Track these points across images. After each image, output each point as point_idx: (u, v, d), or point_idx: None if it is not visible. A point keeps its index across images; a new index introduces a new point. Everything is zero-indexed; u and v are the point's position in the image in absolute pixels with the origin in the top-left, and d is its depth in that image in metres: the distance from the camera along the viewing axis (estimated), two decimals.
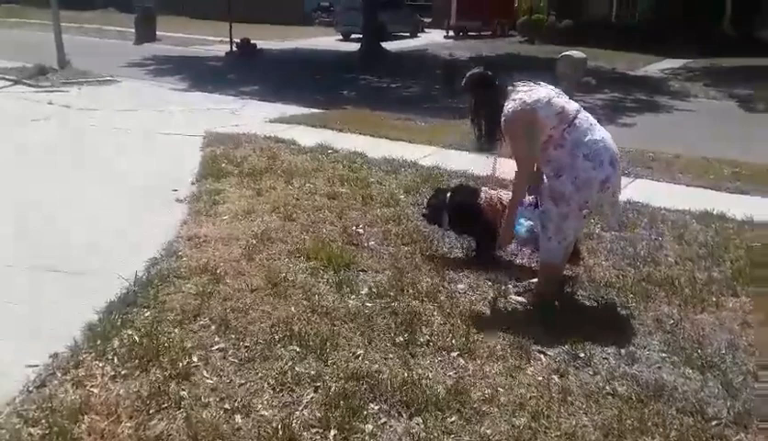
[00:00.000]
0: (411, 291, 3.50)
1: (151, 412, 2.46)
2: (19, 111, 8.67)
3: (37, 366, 2.73)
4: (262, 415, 2.47)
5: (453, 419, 2.48)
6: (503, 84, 3.42)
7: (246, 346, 2.92)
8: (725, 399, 2.65)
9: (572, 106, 3.30)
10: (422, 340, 3.03)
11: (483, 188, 4.11)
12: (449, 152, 6.64)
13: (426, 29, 29.67)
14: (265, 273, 3.65)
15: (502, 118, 3.29)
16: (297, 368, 2.75)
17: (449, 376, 2.77)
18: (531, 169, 3.38)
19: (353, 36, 23.48)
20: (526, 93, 3.27)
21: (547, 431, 2.43)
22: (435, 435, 2.39)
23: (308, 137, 7.09)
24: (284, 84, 12.43)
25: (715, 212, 4.90)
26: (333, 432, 2.38)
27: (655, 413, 2.54)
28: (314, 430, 2.40)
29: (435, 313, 3.29)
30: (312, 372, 2.73)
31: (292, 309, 3.27)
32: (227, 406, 2.51)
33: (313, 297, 3.40)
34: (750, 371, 2.84)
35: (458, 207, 3.95)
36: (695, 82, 14.78)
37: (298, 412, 2.49)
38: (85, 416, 2.42)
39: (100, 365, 2.75)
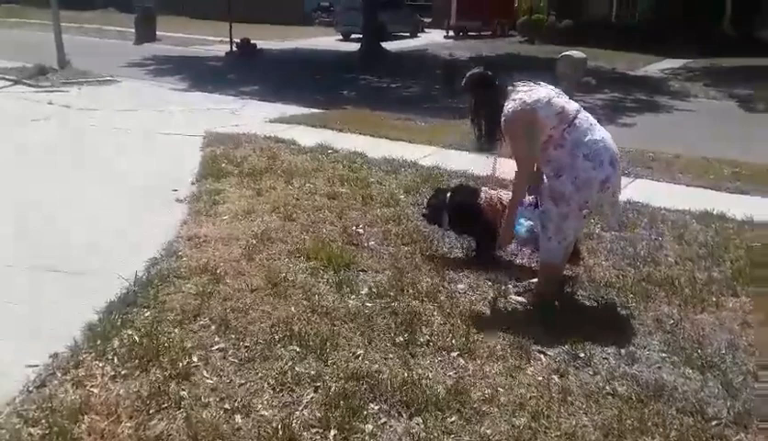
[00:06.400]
0: (411, 291, 3.50)
1: (151, 412, 2.46)
2: (19, 111, 8.67)
3: (37, 366, 2.73)
4: (262, 415, 2.47)
5: (453, 419, 2.48)
6: (503, 84, 3.42)
7: (246, 346, 2.92)
8: (725, 399, 2.65)
9: (572, 106, 3.30)
10: (422, 340, 3.03)
11: (483, 188, 4.11)
12: (449, 152, 6.64)
13: (426, 29, 29.66)
14: (265, 273, 3.65)
15: (502, 118, 3.29)
16: (297, 368, 2.75)
17: (449, 376, 2.77)
18: (531, 169, 3.38)
19: (353, 36, 23.47)
20: (526, 93, 3.27)
21: (547, 431, 2.43)
22: (435, 435, 2.39)
23: (308, 137, 7.09)
24: (284, 84, 12.43)
25: (715, 212, 4.89)
26: (333, 432, 2.38)
27: (655, 413, 2.54)
28: (314, 430, 2.40)
29: (435, 313, 3.29)
30: (312, 372, 2.73)
31: (292, 309, 3.27)
32: (227, 406, 2.51)
33: (313, 297, 3.40)
34: (750, 371, 2.84)
35: (458, 207, 3.95)
36: (695, 82, 14.77)
37: (298, 412, 2.49)
38: (85, 416, 2.42)
39: (100, 365, 2.75)
